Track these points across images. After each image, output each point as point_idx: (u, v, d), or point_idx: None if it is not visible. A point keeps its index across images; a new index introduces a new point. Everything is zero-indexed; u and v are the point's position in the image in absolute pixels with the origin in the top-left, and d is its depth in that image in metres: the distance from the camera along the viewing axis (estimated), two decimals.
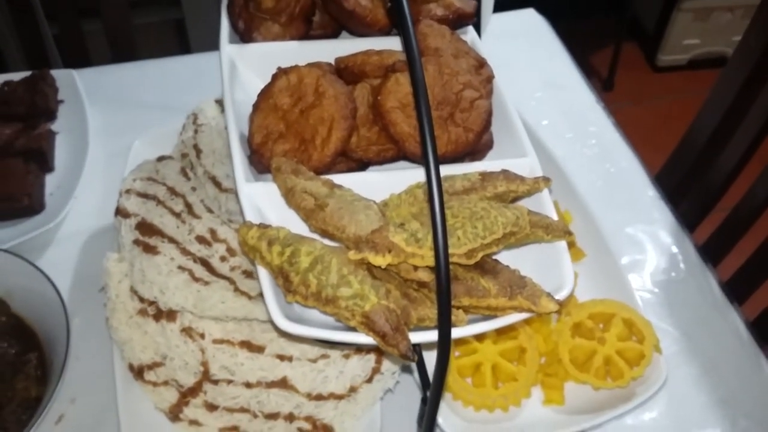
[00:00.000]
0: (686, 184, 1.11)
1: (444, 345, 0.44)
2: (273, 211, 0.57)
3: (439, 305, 0.41)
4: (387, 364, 0.67)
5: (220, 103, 0.88)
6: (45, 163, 0.93)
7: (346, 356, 0.66)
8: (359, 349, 0.66)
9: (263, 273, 0.52)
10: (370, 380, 0.66)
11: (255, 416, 0.65)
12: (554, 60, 1.14)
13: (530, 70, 1.11)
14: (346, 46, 0.68)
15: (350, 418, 0.66)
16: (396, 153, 0.60)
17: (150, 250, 0.66)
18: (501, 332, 0.69)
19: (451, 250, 0.49)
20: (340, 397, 0.66)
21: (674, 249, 0.89)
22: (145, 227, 0.68)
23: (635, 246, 0.89)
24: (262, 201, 0.57)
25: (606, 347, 0.69)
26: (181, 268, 0.65)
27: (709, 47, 2.38)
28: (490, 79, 0.65)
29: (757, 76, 0.97)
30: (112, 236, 0.83)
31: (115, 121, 1.01)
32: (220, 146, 0.81)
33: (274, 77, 0.60)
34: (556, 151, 0.88)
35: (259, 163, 0.59)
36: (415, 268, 0.50)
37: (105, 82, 1.07)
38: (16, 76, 1.02)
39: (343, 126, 0.57)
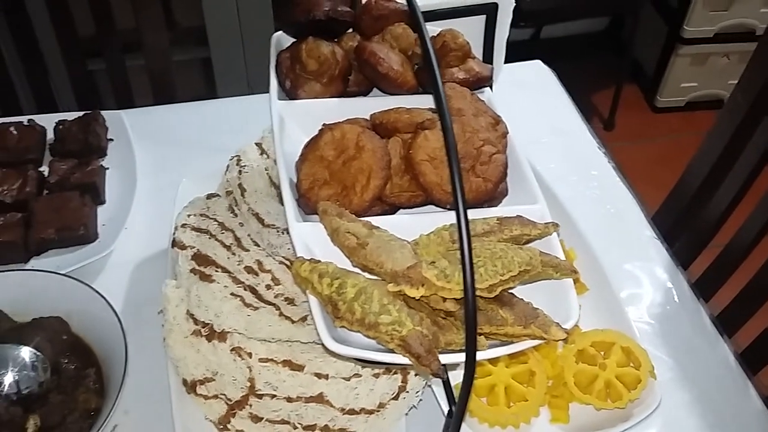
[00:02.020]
0: (682, 222, 1.20)
1: (470, 365, 0.53)
2: (318, 247, 0.66)
3: (466, 331, 0.50)
4: (412, 384, 0.75)
5: (259, 146, 0.97)
6: (97, 197, 1.03)
7: (376, 375, 0.74)
8: (388, 369, 0.74)
9: (313, 301, 0.61)
10: (396, 397, 0.75)
11: (294, 427, 0.74)
12: (560, 107, 1.24)
13: (538, 117, 1.21)
14: (378, 104, 0.78)
15: (379, 431, 0.74)
16: (424, 199, 0.70)
17: (206, 278, 0.75)
18: (513, 357, 0.78)
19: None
20: (370, 412, 0.74)
21: (669, 284, 0.97)
22: (201, 258, 0.77)
23: (633, 281, 0.98)
24: (309, 239, 0.66)
25: (606, 372, 0.78)
26: (233, 294, 0.74)
27: (706, 90, 2.49)
28: (504, 134, 0.75)
29: (751, 118, 1.06)
30: (160, 263, 0.93)
31: (160, 158, 1.10)
32: (262, 186, 0.90)
33: (321, 132, 0.70)
34: (562, 192, 0.97)
35: (306, 205, 0.69)
36: (444, 299, 0.59)
37: (149, 123, 1.17)
38: (70, 116, 1.12)
39: (380, 175, 0.67)
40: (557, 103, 1.24)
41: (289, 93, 0.79)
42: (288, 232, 0.83)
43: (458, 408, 0.55)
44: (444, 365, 0.58)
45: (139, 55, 1.35)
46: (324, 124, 0.70)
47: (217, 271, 0.76)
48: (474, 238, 0.64)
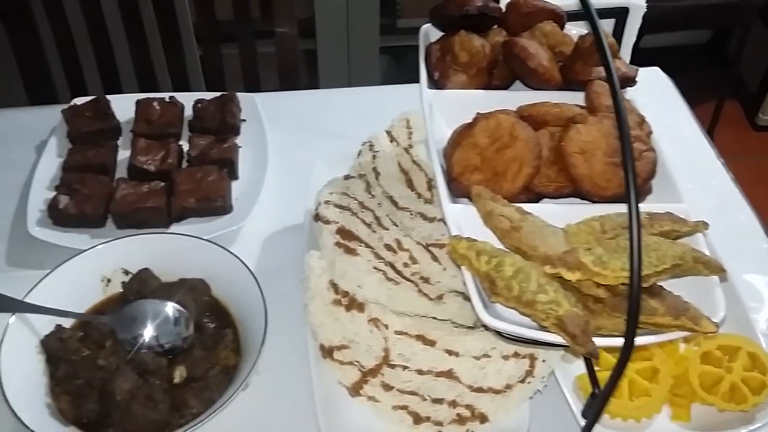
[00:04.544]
0: None
1: (627, 348, 0.55)
2: (468, 227, 0.70)
3: (628, 316, 0.53)
4: (539, 369, 0.78)
5: (389, 134, 1.02)
6: (233, 172, 1.10)
7: (505, 358, 0.78)
8: (517, 353, 0.77)
9: (469, 277, 0.64)
10: (523, 381, 0.77)
11: (423, 399, 0.78)
12: (677, 116, 1.24)
13: (655, 124, 1.20)
14: (523, 97, 0.81)
15: (503, 411, 0.77)
16: (571, 190, 0.72)
17: (350, 251, 0.80)
18: (638, 353, 0.80)
19: (628, 274, 0.60)
20: (497, 392, 0.77)
21: None
22: (345, 233, 0.82)
23: (752, 292, 0.97)
24: (461, 219, 0.70)
25: (732, 375, 0.79)
26: (376, 268, 0.79)
27: None
28: (649, 133, 0.77)
29: None
30: (290, 236, 1.00)
31: (289, 140, 1.17)
32: (394, 171, 0.95)
33: (475, 120, 0.73)
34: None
35: (457, 189, 0.72)
36: (597, 285, 0.62)
37: (278, 107, 1.23)
38: (207, 95, 1.20)
39: (532, 165, 0.70)
40: (675, 111, 1.24)
41: (437, 83, 0.83)
42: (421, 216, 0.88)
43: (606, 388, 0.57)
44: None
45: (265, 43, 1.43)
46: (478, 113, 0.74)
47: (360, 245, 0.81)
48: (625, 230, 0.66)
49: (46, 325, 0.86)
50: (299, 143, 1.16)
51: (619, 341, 0.54)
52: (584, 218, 0.69)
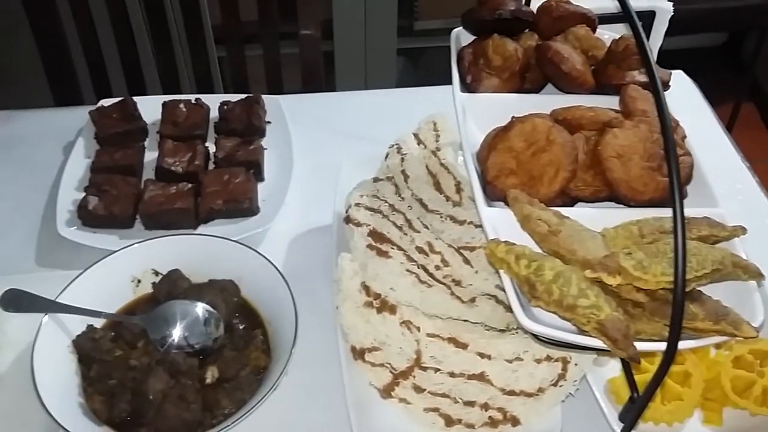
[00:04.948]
0: None
1: (670, 353, 0.55)
2: (503, 230, 0.70)
3: (672, 320, 0.53)
4: (571, 373, 0.78)
5: (416, 136, 1.02)
6: (259, 174, 1.10)
7: (538, 361, 0.78)
8: (549, 356, 0.78)
9: (507, 281, 0.65)
10: (555, 384, 0.78)
11: (455, 402, 0.78)
12: (702, 119, 1.24)
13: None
14: (554, 101, 0.81)
15: (535, 414, 0.78)
16: (607, 194, 0.72)
17: (383, 254, 0.80)
18: None
19: (669, 279, 0.61)
20: (529, 395, 0.77)
21: None
22: (377, 235, 0.82)
23: None
24: (497, 222, 0.70)
25: (765, 379, 0.78)
26: (408, 271, 0.79)
27: None
28: (684, 138, 0.77)
29: None
30: (317, 238, 1.00)
31: (314, 142, 1.17)
32: (423, 173, 0.95)
33: (511, 124, 0.73)
34: None
35: (492, 192, 0.73)
36: (637, 289, 0.62)
37: (302, 108, 1.24)
38: (233, 98, 1.20)
39: (569, 169, 0.70)
40: (700, 114, 1.24)
41: (470, 86, 0.83)
42: (451, 219, 0.89)
43: (647, 393, 0.58)
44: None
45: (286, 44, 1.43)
46: (513, 117, 0.74)
47: (392, 248, 0.81)
48: (663, 235, 0.66)
49: (77, 325, 0.87)
50: (323, 145, 1.17)
51: (661, 346, 0.54)
52: (621, 222, 0.69)
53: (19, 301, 0.86)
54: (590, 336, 0.61)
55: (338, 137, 1.18)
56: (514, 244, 0.65)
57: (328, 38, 2.05)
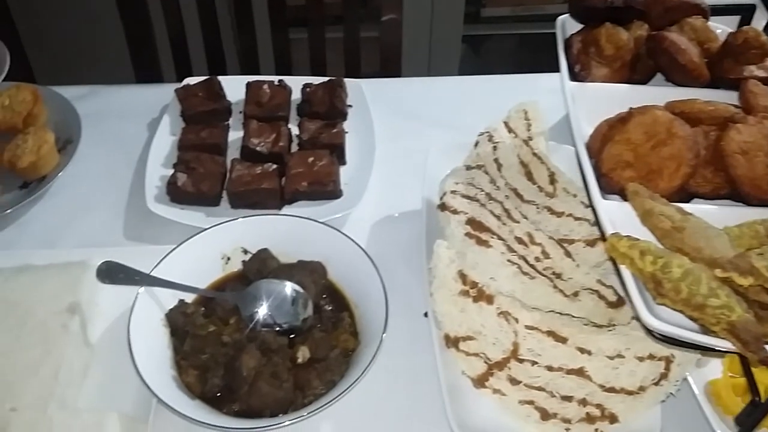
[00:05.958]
0: None
1: None
2: (621, 225, 0.68)
3: None
4: (674, 373, 0.76)
5: (506, 125, 1.01)
6: (342, 157, 1.10)
7: (640, 359, 0.76)
8: (652, 355, 0.76)
9: (628, 276, 0.63)
10: (657, 383, 0.76)
11: (552, 396, 0.77)
12: None
13: None
14: (667, 93, 0.79)
15: (634, 412, 0.76)
16: (728, 191, 0.70)
17: (483, 243, 0.79)
18: None
19: None
20: (629, 393, 0.76)
21: None
22: (475, 224, 0.81)
23: None
24: (615, 216, 0.68)
25: None
26: (509, 261, 0.78)
27: None
28: None
29: None
30: (397, 223, 0.99)
31: (394, 127, 1.16)
32: (515, 162, 0.93)
33: (629, 115, 0.72)
34: None
35: (608, 185, 0.71)
36: (766, 291, 0.60)
37: (382, 93, 1.23)
38: (315, 80, 1.20)
39: (690, 164, 0.68)
40: None
41: (578, 75, 0.81)
42: (548, 210, 0.87)
43: None
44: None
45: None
46: (631, 108, 0.72)
47: (492, 237, 0.80)
48: None
49: (168, 299, 0.87)
50: (404, 130, 1.16)
51: None
52: (744, 221, 0.66)
53: (115, 273, 0.88)
54: (717, 337, 0.59)
55: (419, 122, 1.17)
56: (638, 239, 0.64)
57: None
